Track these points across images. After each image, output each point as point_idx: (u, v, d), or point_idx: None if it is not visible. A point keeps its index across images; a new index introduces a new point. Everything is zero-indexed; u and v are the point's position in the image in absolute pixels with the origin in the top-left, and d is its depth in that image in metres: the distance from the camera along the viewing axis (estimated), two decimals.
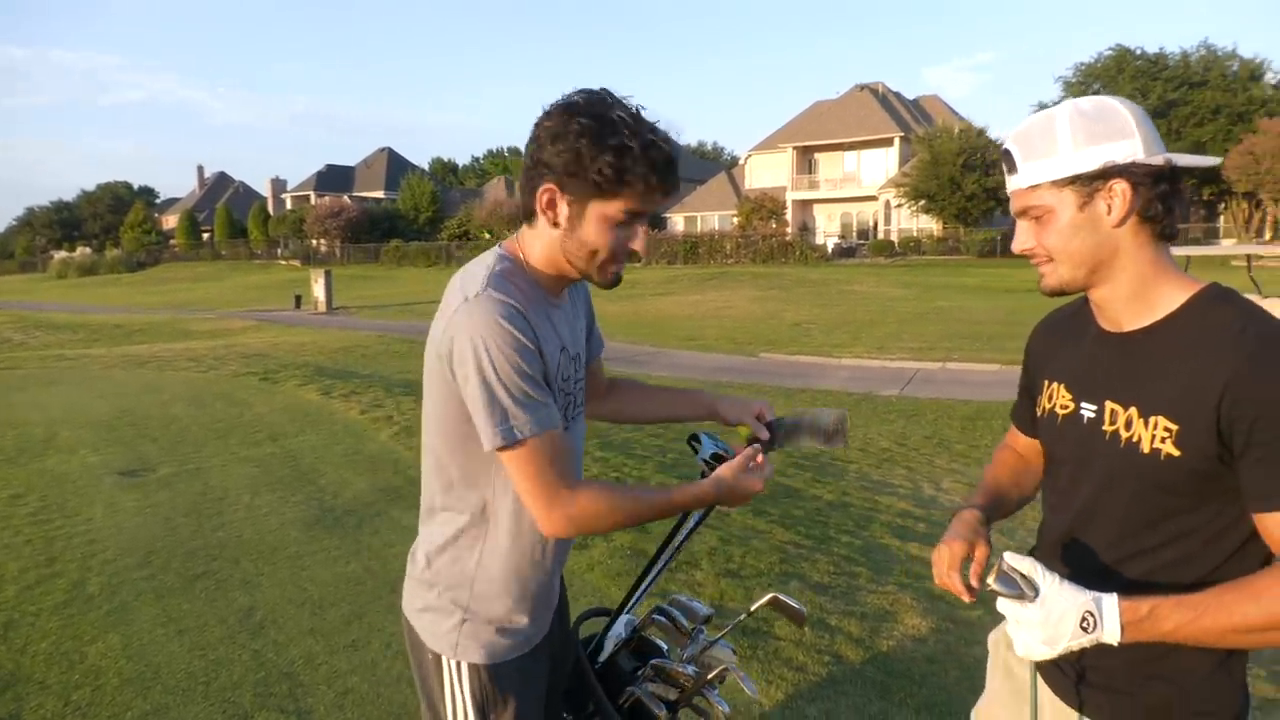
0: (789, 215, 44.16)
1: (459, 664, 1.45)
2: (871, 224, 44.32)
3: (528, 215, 1.40)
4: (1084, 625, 1.09)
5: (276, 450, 6.84)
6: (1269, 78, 36.61)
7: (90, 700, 3.00)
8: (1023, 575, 1.13)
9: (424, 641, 1.48)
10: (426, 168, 75.42)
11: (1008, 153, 1.24)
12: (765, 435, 1.60)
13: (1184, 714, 1.22)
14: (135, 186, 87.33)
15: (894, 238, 40.69)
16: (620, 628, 1.74)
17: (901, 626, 3.64)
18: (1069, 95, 38.75)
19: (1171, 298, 1.20)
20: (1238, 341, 1.11)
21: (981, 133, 38.64)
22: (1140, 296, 1.21)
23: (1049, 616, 1.10)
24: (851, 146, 45.31)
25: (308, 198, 64.74)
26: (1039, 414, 1.41)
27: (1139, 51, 37.76)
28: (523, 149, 1.42)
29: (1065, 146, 1.17)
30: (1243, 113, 34.67)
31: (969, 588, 1.25)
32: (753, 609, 1.67)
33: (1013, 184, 1.23)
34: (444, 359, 1.34)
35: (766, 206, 42.69)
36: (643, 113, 1.33)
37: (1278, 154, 30.45)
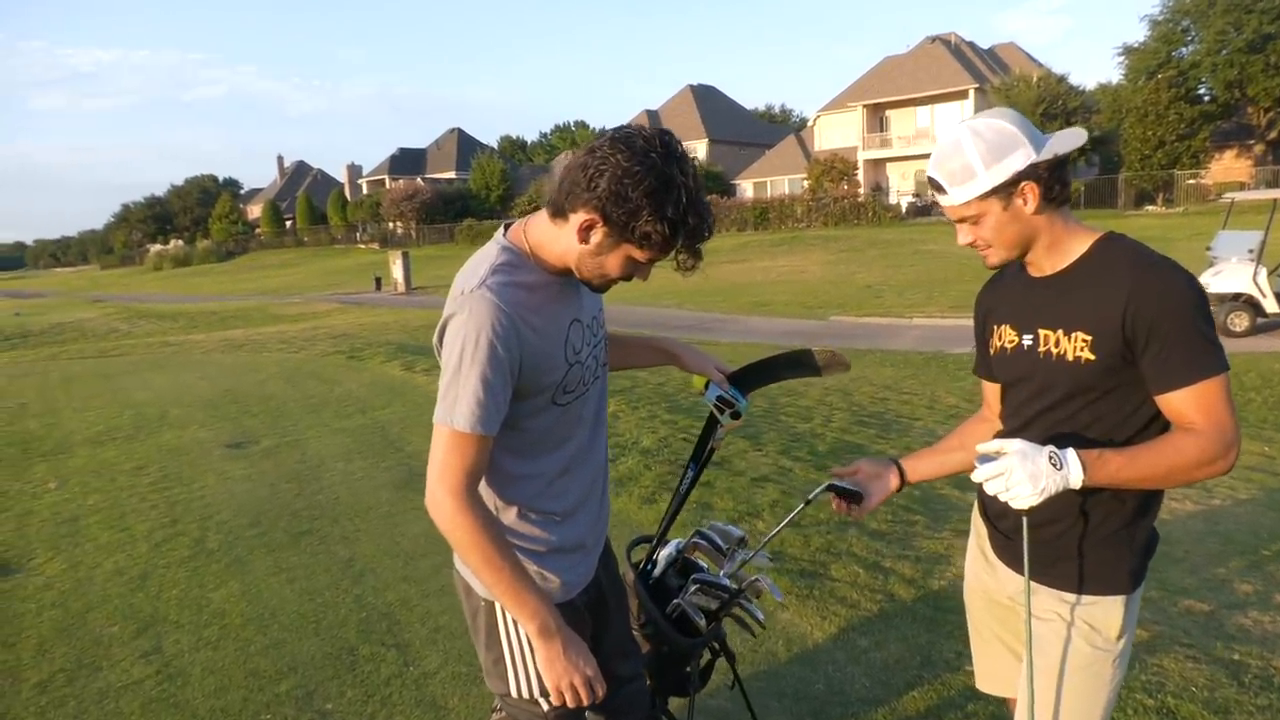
0: (860, 176, 43.31)
1: None
2: None
3: (556, 211, 1.44)
4: (1053, 462, 1.36)
5: (366, 421, 7.31)
6: None
7: (219, 636, 3.42)
8: (992, 451, 1.43)
9: (478, 592, 1.61)
10: (496, 146, 76.31)
11: (935, 180, 1.52)
12: (726, 386, 1.85)
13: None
14: (221, 179, 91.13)
15: None
16: (669, 549, 1.98)
17: (954, 569, 3.80)
18: (1154, 35, 36.99)
19: (1079, 246, 1.53)
20: (1131, 271, 1.44)
21: (1062, 79, 37.06)
22: (1057, 249, 1.54)
23: (1025, 455, 1.37)
24: (924, 101, 44.04)
25: (383, 181, 66.47)
26: (992, 354, 1.68)
27: None
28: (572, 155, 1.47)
29: (979, 169, 1.45)
30: None
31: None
32: (811, 497, 1.89)
33: (946, 202, 1.52)
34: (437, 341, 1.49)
35: (837, 168, 41.88)
36: (694, 167, 1.39)
37: None
